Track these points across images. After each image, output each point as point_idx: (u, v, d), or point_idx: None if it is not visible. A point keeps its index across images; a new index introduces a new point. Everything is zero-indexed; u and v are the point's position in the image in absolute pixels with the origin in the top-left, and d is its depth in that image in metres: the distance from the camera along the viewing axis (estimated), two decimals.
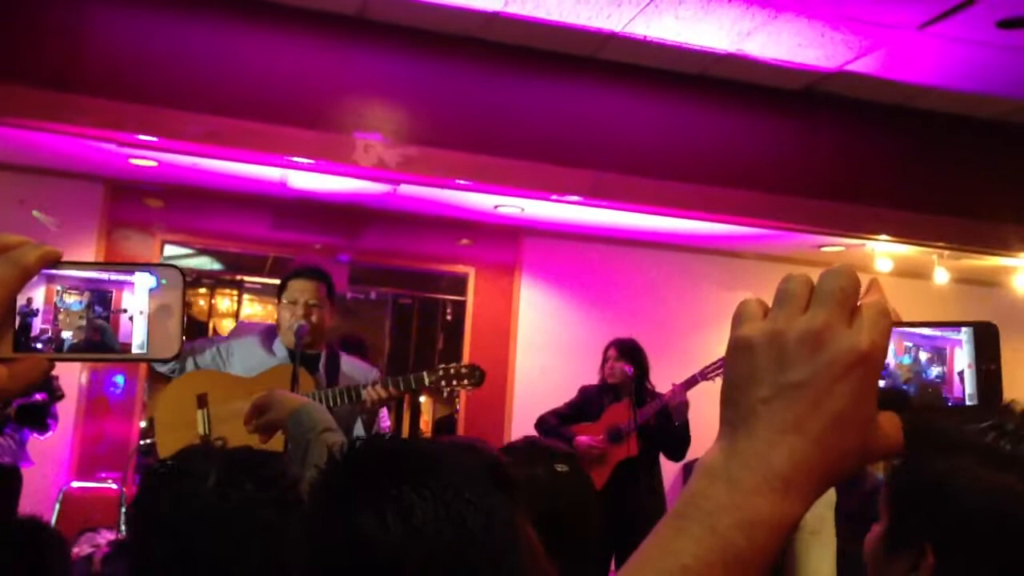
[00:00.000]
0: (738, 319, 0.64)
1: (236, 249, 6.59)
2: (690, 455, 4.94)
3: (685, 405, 4.67)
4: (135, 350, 0.72)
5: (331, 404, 3.31)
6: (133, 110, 4.38)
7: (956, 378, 0.67)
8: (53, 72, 4.30)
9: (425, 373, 3.46)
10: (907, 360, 0.68)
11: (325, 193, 5.96)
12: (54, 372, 4.97)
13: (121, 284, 0.72)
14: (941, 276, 6.41)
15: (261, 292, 7.07)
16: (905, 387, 0.67)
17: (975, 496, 1.13)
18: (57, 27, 4.36)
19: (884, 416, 0.62)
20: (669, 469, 5.15)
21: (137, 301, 0.72)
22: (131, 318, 0.72)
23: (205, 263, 6.72)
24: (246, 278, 6.97)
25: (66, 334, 0.71)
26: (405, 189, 5.59)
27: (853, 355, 0.60)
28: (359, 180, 5.30)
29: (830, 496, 1.17)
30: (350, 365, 3.67)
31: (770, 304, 0.64)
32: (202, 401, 3.38)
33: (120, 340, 0.72)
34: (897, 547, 1.18)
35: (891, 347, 0.64)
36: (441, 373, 3.46)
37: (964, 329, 0.68)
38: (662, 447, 4.86)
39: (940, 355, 0.68)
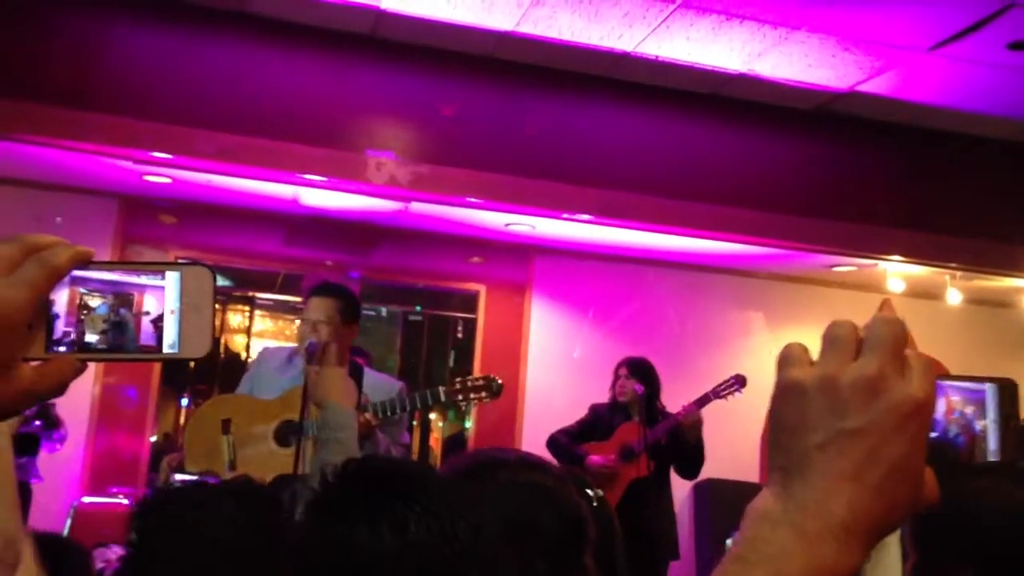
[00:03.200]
0: (784, 362, 0.63)
1: (248, 265, 6.61)
2: (702, 474, 4.93)
3: (700, 423, 4.67)
4: (166, 349, 0.71)
5: None
6: (147, 127, 4.42)
7: None
8: (68, 89, 4.34)
9: (441, 388, 3.46)
10: (955, 414, 0.68)
11: (337, 210, 5.99)
12: (52, 400, 5.03)
13: (143, 287, 0.72)
14: (953, 296, 6.39)
15: (272, 308, 7.09)
16: (955, 440, 0.68)
17: (1008, 514, 1.14)
18: (72, 45, 4.40)
19: None
20: (680, 489, 5.13)
21: (168, 300, 0.72)
22: (154, 320, 0.71)
23: (217, 279, 6.75)
24: (258, 294, 6.99)
25: (90, 336, 0.70)
26: (416, 207, 5.61)
27: (910, 404, 0.60)
28: (371, 198, 5.33)
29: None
30: (373, 380, 3.65)
31: (813, 350, 0.63)
32: (226, 427, 3.41)
33: (143, 342, 0.71)
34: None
35: (941, 400, 0.64)
36: (458, 386, 3.47)
37: (988, 385, 0.68)
38: (675, 465, 4.85)
39: (982, 408, 0.68)
